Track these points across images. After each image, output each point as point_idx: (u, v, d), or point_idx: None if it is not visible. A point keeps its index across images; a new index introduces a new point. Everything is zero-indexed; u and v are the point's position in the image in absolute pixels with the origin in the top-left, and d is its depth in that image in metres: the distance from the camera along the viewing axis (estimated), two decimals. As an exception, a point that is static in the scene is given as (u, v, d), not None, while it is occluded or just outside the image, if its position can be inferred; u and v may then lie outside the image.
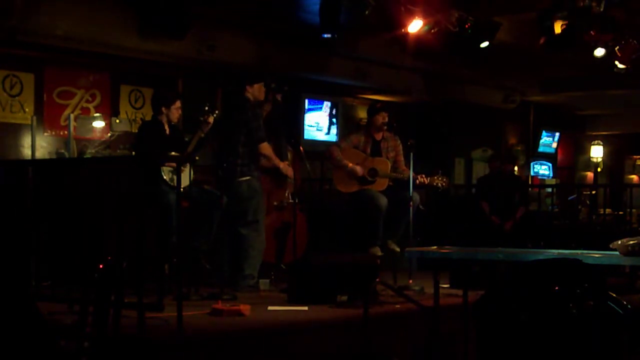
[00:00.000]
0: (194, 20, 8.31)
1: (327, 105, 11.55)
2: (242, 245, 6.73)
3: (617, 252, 4.28)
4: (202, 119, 6.62)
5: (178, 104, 6.86)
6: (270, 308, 5.61)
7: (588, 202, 12.66)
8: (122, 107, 9.36)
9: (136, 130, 8.20)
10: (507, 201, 9.99)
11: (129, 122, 9.07)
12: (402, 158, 7.72)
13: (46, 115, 8.83)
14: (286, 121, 7.66)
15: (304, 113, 11.25)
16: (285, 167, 7.23)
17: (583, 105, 14.95)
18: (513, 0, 8.25)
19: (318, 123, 11.43)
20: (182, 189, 5.64)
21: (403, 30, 7.96)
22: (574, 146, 16.73)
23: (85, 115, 8.94)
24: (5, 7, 7.19)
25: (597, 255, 4.42)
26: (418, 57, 9.83)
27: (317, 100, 11.46)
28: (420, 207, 7.68)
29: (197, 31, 8.50)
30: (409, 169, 7.28)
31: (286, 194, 7.68)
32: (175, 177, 5.72)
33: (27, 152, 8.33)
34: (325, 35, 8.11)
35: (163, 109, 6.80)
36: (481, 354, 3.40)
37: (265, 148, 6.92)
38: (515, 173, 11.87)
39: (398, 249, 7.46)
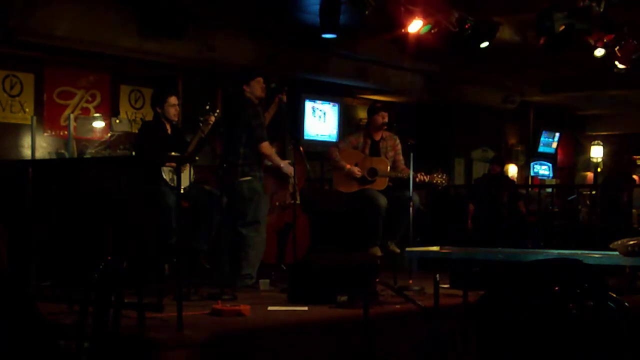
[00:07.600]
0: (193, 20, 8.31)
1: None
2: (242, 245, 6.70)
3: (617, 252, 4.28)
4: (202, 118, 6.58)
5: (172, 100, 6.75)
6: (270, 308, 5.60)
7: (588, 202, 12.65)
8: (122, 107, 9.37)
9: (136, 131, 8.20)
10: (495, 202, 10.14)
11: (129, 122, 9.07)
12: (401, 157, 7.71)
13: (46, 115, 8.83)
14: (289, 121, 7.63)
15: (304, 113, 11.27)
16: (286, 165, 7.14)
17: (583, 105, 14.95)
18: (513, 0, 8.25)
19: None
20: (182, 189, 5.64)
21: (403, 30, 7.96)
22: (574, 146, 16.73)
23: (85, 116, 8.95)
24: (5, 7, 7.20)
25: (597, 255, 4.43)
26: (418, 57, 9.84)
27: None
28: (421, 207, 7.67)
29: (197, 31, 8.50)
30: (409, 168, 7.28)
31: (289, 195, 7.65)
32: (175, 177, 5.70)
33: (27, 152, 8.33)
34: (326, 36, 8.11)
35: (157, 108, 6.78)
36: (481, 354, 3.40)
37: (266, 147, 6.85)
38: (504, 174, 11.88)
39: (398, 250, 7.45)
